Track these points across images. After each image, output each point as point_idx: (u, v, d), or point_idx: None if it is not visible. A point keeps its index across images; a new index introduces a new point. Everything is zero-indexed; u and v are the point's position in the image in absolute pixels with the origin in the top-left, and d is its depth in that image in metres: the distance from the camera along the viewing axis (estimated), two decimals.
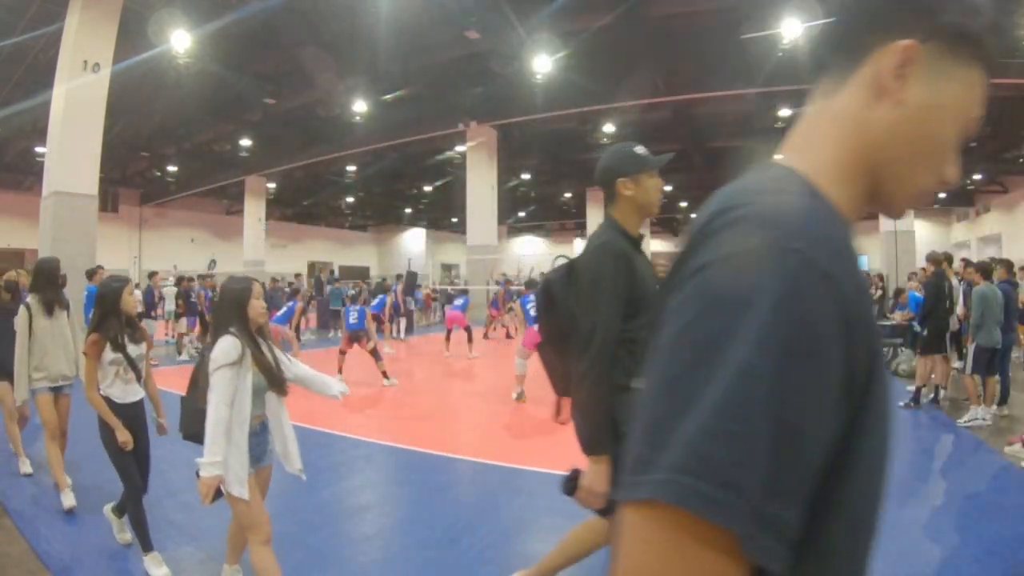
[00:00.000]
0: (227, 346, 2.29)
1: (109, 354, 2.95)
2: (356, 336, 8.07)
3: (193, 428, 2.36)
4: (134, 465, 2.91)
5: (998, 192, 25.08)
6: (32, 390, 3.79)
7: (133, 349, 3.05)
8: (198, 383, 2.39)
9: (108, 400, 2.92)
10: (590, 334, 1.71)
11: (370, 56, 12.17)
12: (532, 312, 9.19)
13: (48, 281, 4.00)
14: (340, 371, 8.03)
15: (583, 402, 1.72)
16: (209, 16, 10.30)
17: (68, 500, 3.52)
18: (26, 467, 4.24)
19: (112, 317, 2.99)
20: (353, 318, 8.16)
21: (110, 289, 3.05)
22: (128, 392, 3.03)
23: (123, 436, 2.85)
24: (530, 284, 7.52)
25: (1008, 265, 6.21)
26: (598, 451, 1.71)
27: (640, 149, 1.94)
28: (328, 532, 3.26)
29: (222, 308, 2.49)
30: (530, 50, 11.54)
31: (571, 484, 1.80)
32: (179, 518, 3.42)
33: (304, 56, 12.46)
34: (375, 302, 11.96)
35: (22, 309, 3.84)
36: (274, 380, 2.44)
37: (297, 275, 23.89)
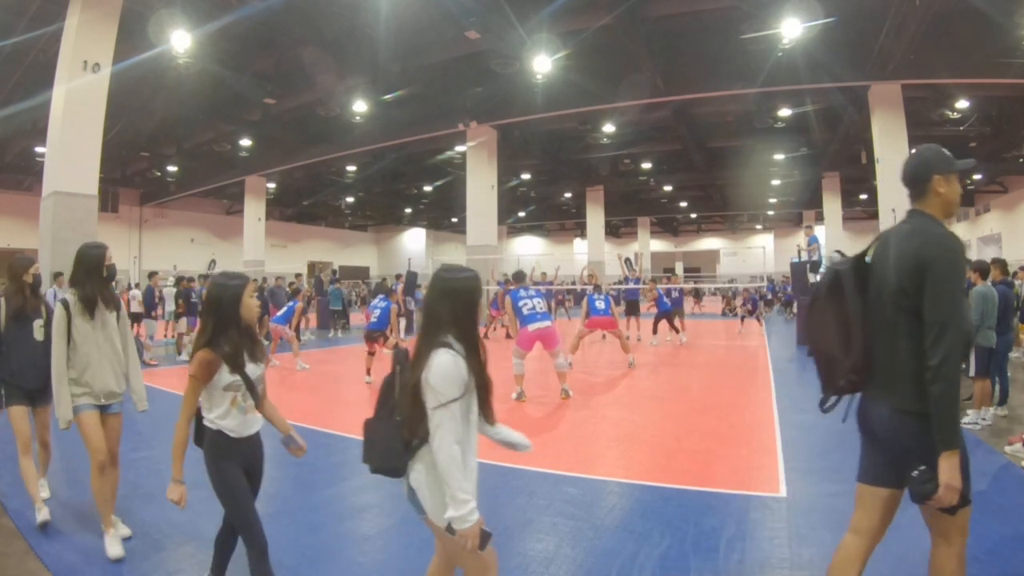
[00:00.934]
0: (458, 372, 1.77)
1: (225, 376, 2.23)
2: (372, 336, 7.81)
3: (391, 462, 1.87)
4: (256, 512, 2.28)
5: (998, 192, 25.07)
6: (73, 407, 3.02)
7: (253, 369, 2.34)
8: (390, 403, 1.90)
9: (221, 435, 2.26)
10: (942, 327, 1.72)
11: (370, 56, 12.17)
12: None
13: (91, 273, 3.11)
14: (368, 372, 7.93)
15: (941, 395, 1.71)
16: (209, 16, 10.30)
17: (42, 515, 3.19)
18: (43, 515, 3.21)
19: (231, 328, 2.25)
20: (373, 316, 7.91)
21: (227, 290, 2.27)
22: (247, 423, 2.33)
23: (174, 494, 2.20)
24: (518, 277, 7.23)
25: (1002, 265, 6.19)
26: (957, 444, 1.72)
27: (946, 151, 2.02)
28: (328, 532, 3.25)
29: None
30: (530, 50, 11.54)
31: (928, 486, 1.73)
32: (179, 518, 3.41)
33: (304, 56, 12.46)
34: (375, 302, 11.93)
35: (59, 308, 3.02)
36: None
37: (297, 275, 23.86)
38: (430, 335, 1.84)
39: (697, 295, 25.14)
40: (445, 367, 1.74)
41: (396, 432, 1.83)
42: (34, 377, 3.36)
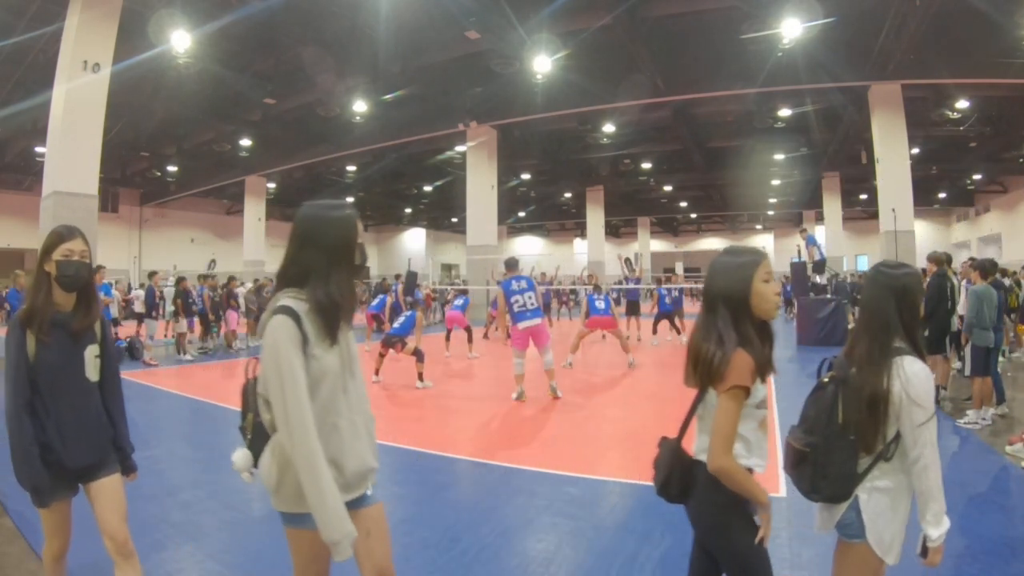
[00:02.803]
0: (931, 382, 1.58)
1: (760, 390, 1.59)
2: (390, 341, 7.80)
3: (847, 487, 1.62)
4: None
5: (998, 192, 25.09)
6: (296, 516, 1.58)
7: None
8: (832, 421, 1.61)
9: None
10: None
11: (370, 56, 12.17)
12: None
13: (338, 257, 1.83)
14: (377, 372, 7.93)
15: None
16: (209, 16, 10.31)
17: None
18: None
19: (746, 323, 1.59)
20: (399, 323, 7.98)
21: (739, 271, 1.62)
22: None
23: (766, 528, 1.57)
24: (510, 264, 7.08)
25: (993, 264, 6.18)
26: None
27: None
28: None
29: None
30: (530, 50, 11.54)
31: None
32: (179, 518, 3.42)
33: (304, 56, 12.46)
34: (375, 302, 11.96)
35: (282, 323, 1.47)
36: None
37: None
38: (881, 339, 1.63)
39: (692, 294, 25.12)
40: (924, 377, 1.57)
41: (852, 453, 1.61)
42: (89, 448, 2.03)
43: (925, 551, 1.61)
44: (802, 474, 1.66)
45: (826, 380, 1.70)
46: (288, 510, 1.59)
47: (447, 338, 10.75)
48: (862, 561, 1.62)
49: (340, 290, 1.55)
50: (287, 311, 1.49)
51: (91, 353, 2.04)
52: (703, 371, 1.57)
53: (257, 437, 1.62)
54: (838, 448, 1.61)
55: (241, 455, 1.64)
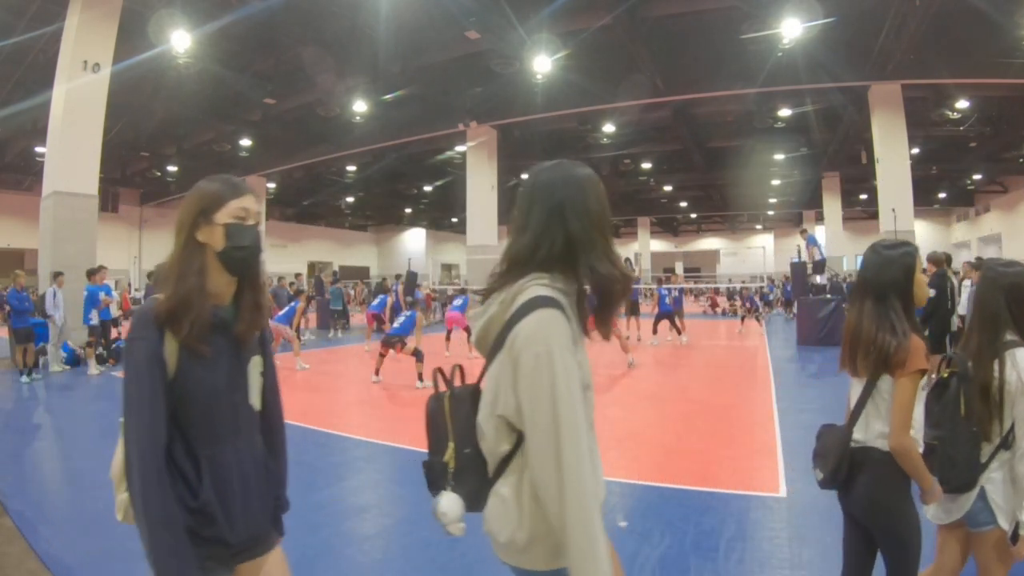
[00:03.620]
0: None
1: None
2: (390, 342, 7.85)
3: (973, 474, 1.76)
4: None
5: (998, 192, 25.09)
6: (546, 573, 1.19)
7: None
8: (955, 417, 1.74)
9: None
10: None
11: (370, 56, 12.17)
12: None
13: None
14: (377, 372, 8.00)
15: None
16: (209, 16, 10.30)
17: None
18: None
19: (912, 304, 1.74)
20: (399, 323, 8.02)
21: (903, 257, 1.73)
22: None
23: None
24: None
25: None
26: None
27: None
28: (328, 532, 3.25)
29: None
30: (530, 50, 11.54)
31: None
32: None
33: (304, 56, 12.46)
34: (375, 302, 11.95)
35: (556, 320, 1.08)
36: None
37: (297, 275, 23.85)
38: (991, 333, 1.77)
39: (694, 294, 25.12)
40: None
41: (976, 443, 1.75)
42: (260, 512, 1.36)
43: (1016, 537, 1.71)
44: (931, 466, 1.72)
45: (946, 375, 1.81)
46: (541, 567, 1.16)
47: (447, 338, 10.76)
48: (999, 545, 1.74)
49: (622, 269, 1.19)
50: (554, 304, 1.10)
51: (255, 369, 1.36)
52: (880, 358, 1.65)
53: (467, 474, 1.20)
54: (963, 439, 1.72)
55: (452, 502, 1.17)
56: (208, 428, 1.25)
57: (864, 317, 1.73)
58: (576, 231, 1.16)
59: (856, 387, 1.77)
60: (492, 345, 1.15)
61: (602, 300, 1.18)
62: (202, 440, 1.24)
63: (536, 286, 1.13)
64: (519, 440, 1.12)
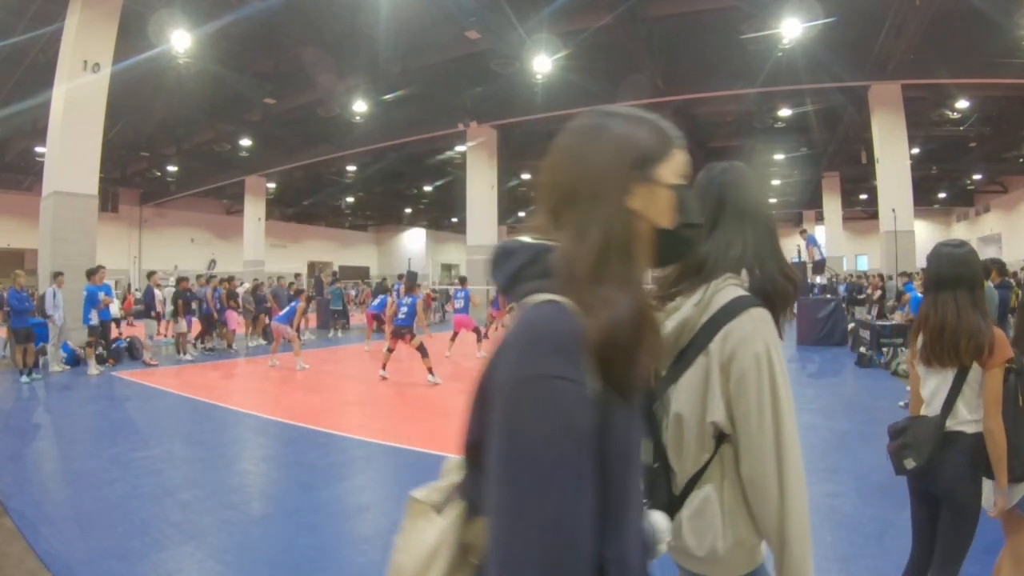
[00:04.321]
0: None
1: None
2: (399, 333, 7.97)
3: None
4: None
5: (998, 192, 25.08)
6: None
7: None
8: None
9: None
10: None
11: (370, 56, 12.17)
12: None
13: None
14: (384, 367, 8.10)
15: None
16: (209, 16, 10.31)
17: None
18: None
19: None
20: (402, 314, 8.06)
21: (973, 254, 1.90)
22: None
23: (1001, 501, 1.89)
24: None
25: (1000, 266, 6.17)
26: None
27: None
28: (328, 532, 3.25)
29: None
30: (530, 50, 11.54)
31: None
32: (178, 518, 3.42)
33: (304, 56, 12.47)
34: (375, 302, 11.95)
35: (768, 320, 1.10)
36: None
37: (297, 275, 23.84)
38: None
39: None
40: None
41: None
42: None
43: None
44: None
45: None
46: (739, 574, 1.12)
47: (452, 339, 10.77)
48: None
49: (796, 276, 1.21)
50: (760, 303, 1.10)
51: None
52: (973, 350, 1.79)
53: (657, 489, 1.13)
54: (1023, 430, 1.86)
55: (663, 517, 0.97)
56: (617, 516, 0.68)
57: (946, 312, 1.85)
58: (763, 234, 1.21)
59: (932, 379, 1.91)
60: (686, 348, 1.10)
61: (775, 305, 1.16)
62: (610, 533, 0.67)
63: (733, 287, 1.12)
64: (717, 446, 1.09)
